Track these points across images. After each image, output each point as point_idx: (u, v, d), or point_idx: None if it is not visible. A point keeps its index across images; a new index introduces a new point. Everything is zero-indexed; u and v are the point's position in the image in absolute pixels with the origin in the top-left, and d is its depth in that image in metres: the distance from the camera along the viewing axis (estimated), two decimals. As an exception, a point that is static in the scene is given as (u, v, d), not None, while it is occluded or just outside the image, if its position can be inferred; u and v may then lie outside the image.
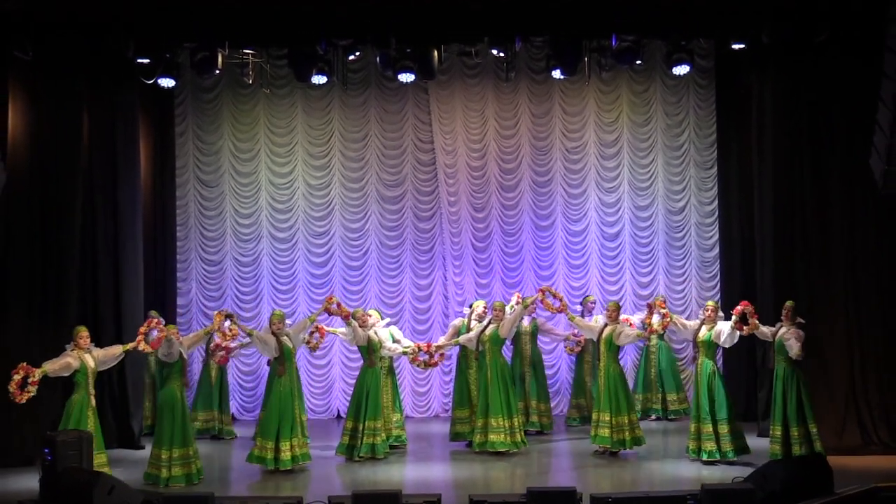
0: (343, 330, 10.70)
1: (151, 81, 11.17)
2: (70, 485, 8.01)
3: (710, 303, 10.29)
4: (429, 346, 11.18)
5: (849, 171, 10.49)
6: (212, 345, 11.56)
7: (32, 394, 8.99)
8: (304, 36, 10.70)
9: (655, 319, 10.48)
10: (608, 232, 13.45)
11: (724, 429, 9.78)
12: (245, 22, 10.41)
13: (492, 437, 10.51)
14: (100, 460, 9.14)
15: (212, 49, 10.80)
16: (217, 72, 11.34)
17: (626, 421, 10.33)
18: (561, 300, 10.91)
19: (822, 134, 10.66)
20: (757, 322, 9.71)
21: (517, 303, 11.17)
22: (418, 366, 11.22)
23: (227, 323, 10.17)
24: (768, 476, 8.04)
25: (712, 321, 9.97)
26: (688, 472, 9.47)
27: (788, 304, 9.84)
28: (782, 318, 9.78)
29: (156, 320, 9.67)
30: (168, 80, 11.27)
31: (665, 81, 13.28)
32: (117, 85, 11.38)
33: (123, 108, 11.57)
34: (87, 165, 11.18)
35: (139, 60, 10.85)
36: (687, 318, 11.52)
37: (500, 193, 13.38)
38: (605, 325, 10.54)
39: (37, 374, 9.00)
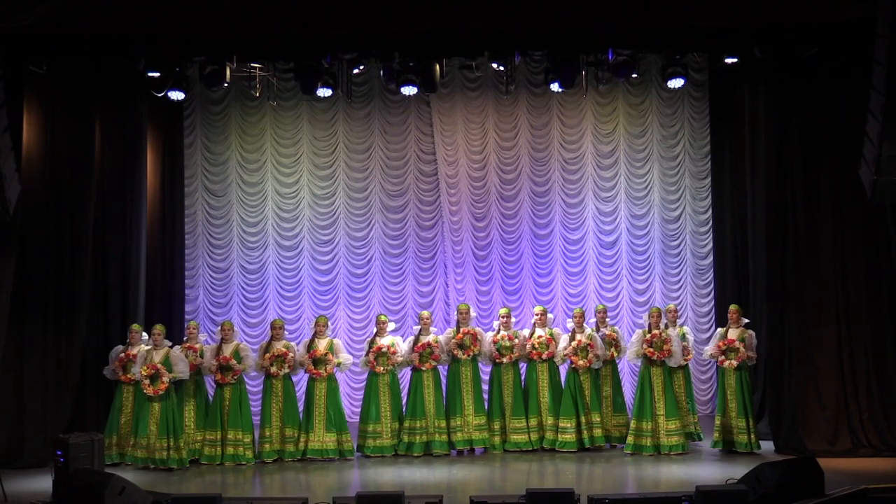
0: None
1: (161, 94, 11.26)
2: (82, 485, 8.10)
3: None
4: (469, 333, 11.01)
5: (838, 180, 10.55)
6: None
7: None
8: (309, 50, 10.74)
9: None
10: (605, 240, 13.46)
11: None
12: (252, 37, 10.36)
13: (513, 437, 10.86)
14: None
15: (220, 63, 10.92)
16: (225, 85, 11.48)
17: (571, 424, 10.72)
18: None
19: (813, 145, 10.75)
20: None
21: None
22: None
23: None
24: (761, 478, 8.11)
25: None
26: (682, 474, 9.57)
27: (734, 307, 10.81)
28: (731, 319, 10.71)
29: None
30: (178, 92, 11.31)
31: (660, 94, 13.24)
32: (128, 98, 11.48)
33: (133, 120, 11.65)
34: (99, 175, 11.27)
35: (150, 74, 10.92)
36: (682, 324, 11.80)
37: (500, 203, 13.44)
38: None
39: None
